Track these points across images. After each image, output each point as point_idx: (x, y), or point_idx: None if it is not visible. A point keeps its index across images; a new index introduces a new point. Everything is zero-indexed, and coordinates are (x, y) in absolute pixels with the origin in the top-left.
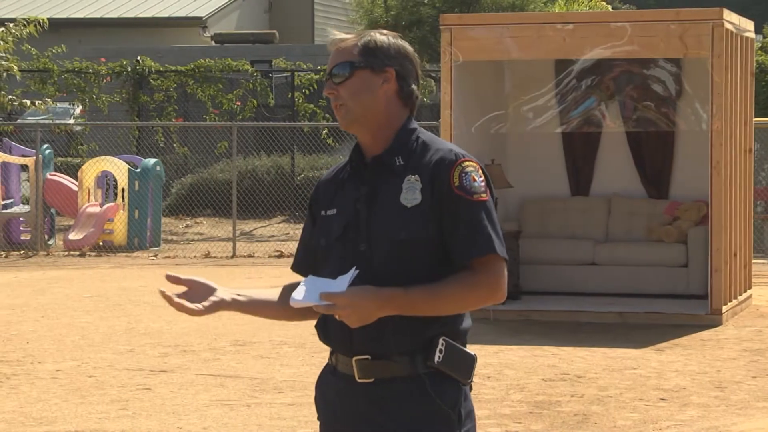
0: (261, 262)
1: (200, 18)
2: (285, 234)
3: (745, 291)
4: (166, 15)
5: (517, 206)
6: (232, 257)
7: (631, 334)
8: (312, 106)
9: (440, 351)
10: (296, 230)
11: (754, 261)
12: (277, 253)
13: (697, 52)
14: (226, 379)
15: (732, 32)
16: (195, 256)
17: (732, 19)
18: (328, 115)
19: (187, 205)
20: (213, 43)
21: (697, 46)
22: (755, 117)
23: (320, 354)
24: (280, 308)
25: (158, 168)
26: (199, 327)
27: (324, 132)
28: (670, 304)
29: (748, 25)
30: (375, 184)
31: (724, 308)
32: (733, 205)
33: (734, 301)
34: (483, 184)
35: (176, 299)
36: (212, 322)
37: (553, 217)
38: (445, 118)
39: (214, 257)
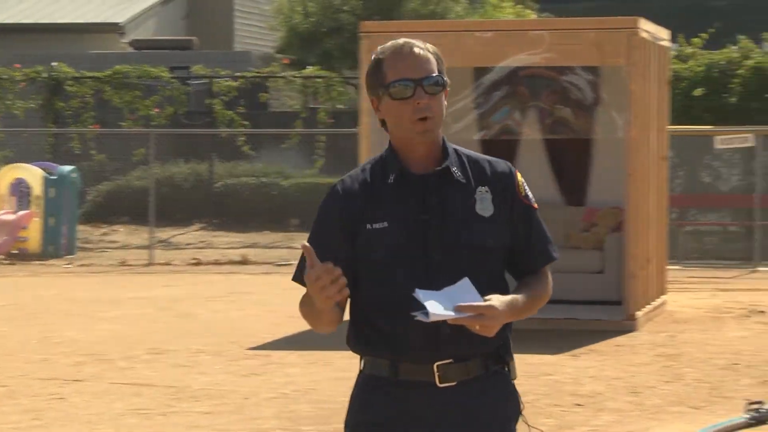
0: (179, 270)
1: (118, 24)
2: (203, 241)
3: (660, 297)
4: (84, 21)
5: None
6: (148, 265)
7: (548, 340)
8: (230, 113)
9: (511, 350)
10: (214, 237)
11: (668, 267)
12: (194, 261)
13: (614, 61)
14: (142, 388)
15: (648, 41)
16: (111, 264)
17: (648, 28)
18: (246, 122)
19: (104, 212)
20: (131, 50)
21: (613, 55)
22: (670, 125)
23: (238, 362)
24: (338, 317)
25: (74, 175)
26: (115, 335)
27: (241, 139)
28: (587, 310)
29: (663, 34)
30: (443, 196)
31: (639, 314)
32: (648, 211)
33: (649, 307)
34: None
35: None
36: (128, 330)
37: None
38: (363, 125)
39: (131, 265)
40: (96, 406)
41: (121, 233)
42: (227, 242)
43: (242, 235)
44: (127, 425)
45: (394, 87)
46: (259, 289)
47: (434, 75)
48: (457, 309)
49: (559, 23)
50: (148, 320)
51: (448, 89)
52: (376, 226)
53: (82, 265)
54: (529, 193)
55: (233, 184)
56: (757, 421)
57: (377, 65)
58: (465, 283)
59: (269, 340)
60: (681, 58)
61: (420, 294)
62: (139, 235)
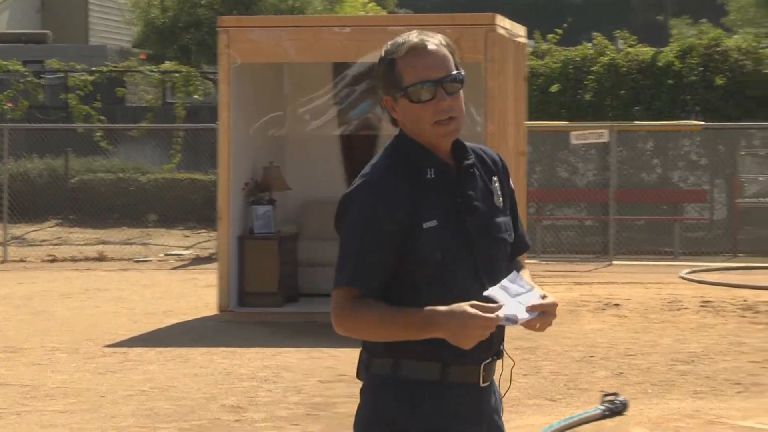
0: (33, 267)
1: None
2: (58, 238)
3: None
4: None
5: (296, 208)
6: (2, 262)
7: None
8: (86, 107)
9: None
10: (70, 233)
11: (526, 261)
12: (50, 258)
13: (472, 57)
14: None
15: (505, 37)
16: None
17: (505, 24)
18: (103, 117)
19: None
20: None
21: (471, 51)
22: (527, 120)
23: (95, 360)
24: None
25: None
26: None
27: (98, 134)
28: None
29: (520, 30)
30: (474, 190)
31: None
32: None
33: None
34: None
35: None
36: None
37: (332, 219)
38: (223, 120)
39: None
40: None
41: None
42: (83, 238)
43: (99, 231)
44: None
45: (414, 89)
46: (116, 285)
47: (453, 72)
48: (529, 309)
49: (417, 19)
50: (1, 318)
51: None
52: (429, 224)
53: None
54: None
55: (89, 179)
56: (612, 412)
57: (391, 65)
58: (515, 276)
59: (126, 337)
60: (537, 54)
61: (497, 296)
62: None
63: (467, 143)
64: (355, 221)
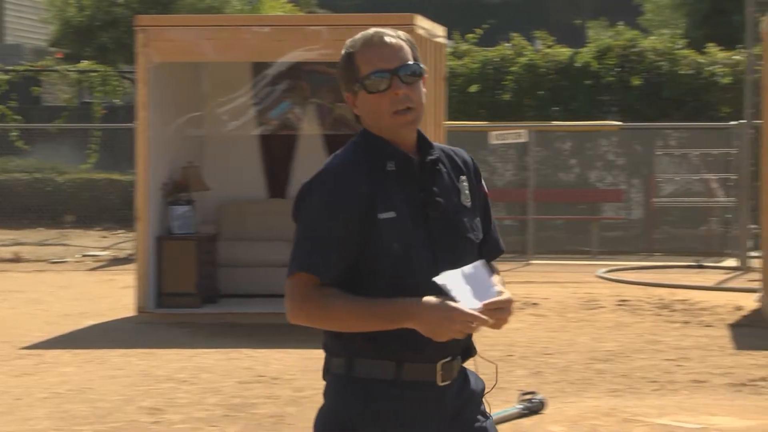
0: None
1: None
2: None
3: None
4: None
5: (215, 209)
6: None
7: (320, 335)
8: (2, 107)
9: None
10: None
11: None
12: None
13: None
14: None
15: (424, 38)
16: None
17: (424, 24)
18: (18, 117)
19: None
20: None
21: None
22: (447, 120)
23: (10, 362)
24: None
25: None
26: None
27: (14, 134)
28: None
29: (439, 30)
30: (437, 186)
31: None
32: None
33: None
34: None
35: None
36: None
37: (251, 219)
38: (141, 119)
39: None
40: None
41: None
42: None
43: (14, 231)
44: None
45: (369, 80)
46: (32, 287)
47: (410, 63)
48: (486, 306)
49: (336, 19)
50: None
51: (426, 76)
52: (386, 216)
53: None
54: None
55: (5, 179)
56: (530, 411)
57: (349, 59)
58: (479, 267)
59: (42, 339)
60: (457, 54)
61: (446, 284)
62: None
63: (438, 144)
64: (313, 209)
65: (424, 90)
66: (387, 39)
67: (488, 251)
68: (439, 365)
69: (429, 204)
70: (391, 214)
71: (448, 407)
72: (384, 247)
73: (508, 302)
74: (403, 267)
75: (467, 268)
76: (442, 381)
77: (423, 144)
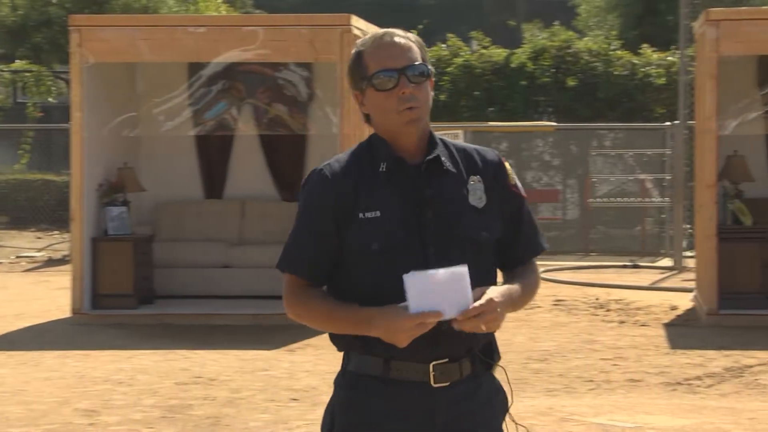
0: None
1: None
2: None
3: None
4: None
5: (151, 210)
6: None
7: (265, 336)
8: None
9: (497, 348)
10: None
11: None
12: None
13: (327, 57)
14: None
15: (360, 38)
16: None
17: (360, 25)
18: None
19: None
20: None
21: (326, 51)
22: None
23: None
24: None
25: None
26: None
27: None
28: None
29: (375, 31)
30: (436, 186)
31: None
32: None
33: None
34: None
35: None
36: None
37: (188, 220)
38: (75, 120)
39: None
40: None
41: None
42: None
43: None
44: None
45: (377, 78)
46: None
47: (418, 63)
48: (462, 315)
49: (272, 19)
50: None
51: (433, 79)
52: (369, 215)
53: None
54: (518, 182)
55: None
56: None
57: (358, 58)
58: (459, 273)
59: None
60: None
61: (406, 283)
62: None
63: (461, 143)
64: (299, 209)
65: (431, 92)
66: (396, 39)
67: (522, 252)
68: (431, 366)
69: (422, 204)
70: (374, 214)
71: (441, 412)
72: (363, 245)
73: (489, 303)
74: (386, 268)
75: (441, 271)
76: (437, 383)
77: (430, 143)
